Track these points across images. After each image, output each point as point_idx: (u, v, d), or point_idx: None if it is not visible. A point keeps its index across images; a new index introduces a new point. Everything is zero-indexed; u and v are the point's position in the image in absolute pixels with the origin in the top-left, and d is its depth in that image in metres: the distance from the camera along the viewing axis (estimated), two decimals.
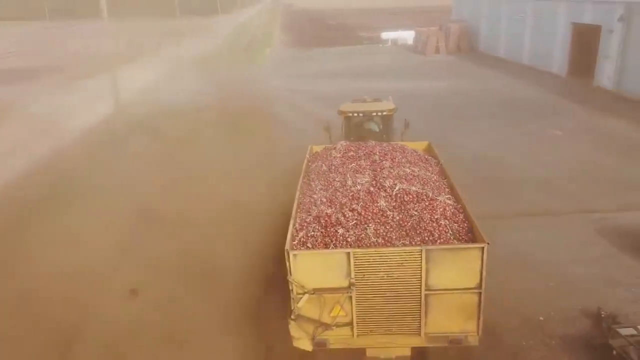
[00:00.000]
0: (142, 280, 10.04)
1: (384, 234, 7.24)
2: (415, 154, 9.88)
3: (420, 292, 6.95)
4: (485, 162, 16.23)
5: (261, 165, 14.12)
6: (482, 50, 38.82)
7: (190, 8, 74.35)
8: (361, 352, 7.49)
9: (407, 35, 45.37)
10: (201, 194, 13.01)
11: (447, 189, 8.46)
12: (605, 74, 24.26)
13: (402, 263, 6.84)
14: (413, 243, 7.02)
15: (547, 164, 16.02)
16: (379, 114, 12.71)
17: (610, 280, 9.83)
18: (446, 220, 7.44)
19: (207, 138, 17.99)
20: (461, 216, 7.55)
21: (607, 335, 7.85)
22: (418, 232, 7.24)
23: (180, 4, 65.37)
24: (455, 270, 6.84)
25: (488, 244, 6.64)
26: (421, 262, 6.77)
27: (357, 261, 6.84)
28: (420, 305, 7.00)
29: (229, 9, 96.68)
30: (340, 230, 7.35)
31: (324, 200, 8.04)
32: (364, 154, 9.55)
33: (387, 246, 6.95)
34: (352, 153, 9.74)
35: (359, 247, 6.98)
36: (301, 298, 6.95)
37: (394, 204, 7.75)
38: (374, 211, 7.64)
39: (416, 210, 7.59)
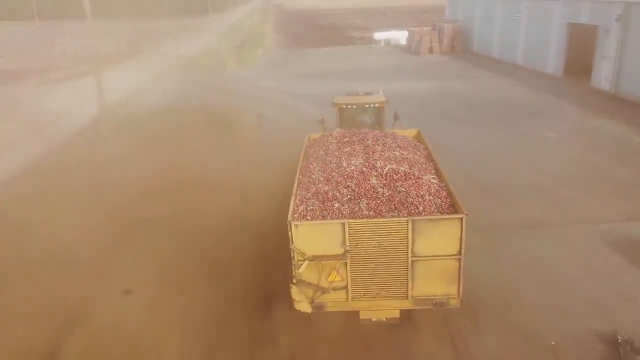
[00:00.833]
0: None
1: (375, 207, 8.14)
2: (405, 140, 10.71)
3: (407, 259, 7.88)
4: (480, 167, 16.07)
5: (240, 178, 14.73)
6: (475, 50, 39.50)
7: (181, 8, 73.06)
8: (355, 314, 8.43)
9: (400, 36, 45.04)
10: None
11: (432, 170, 9.33)
12: (603, 74, 23.79)
13: (391, 232, 7.76)
14: (401, 215, 7.89)
15: (544, 169, 15.75)
16: (372, 106, 13.59)
17: (625, 298, 9.41)
18: (430, 196, 8.33)
19: (189, 141, 18.31)
20: (444, 193, 8.43)
21: None
22: (405, 206, 8.10)
23: (170, 4, 64.16)
24: (438, 239, 7.76)
25: (467, 214, 7.56)
26: (408, 232, 7.70)
27: (351, 231, 7.75)
28: (407, 270, 7.95)
29: (221, 8, 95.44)
30: (336, 205, 8.24)
31: (322, 179, 8.92)
32: (358, 140, 10.29)
33: (377, 218, 7.84)
34: (346, 139, 10.46)
35: (352, 218, 7.87)
36: (302, 264, 7.82)
37: (384, 182, 8.58)
38: (366, 188, 8.50)
39: (404, 187, 8.44)
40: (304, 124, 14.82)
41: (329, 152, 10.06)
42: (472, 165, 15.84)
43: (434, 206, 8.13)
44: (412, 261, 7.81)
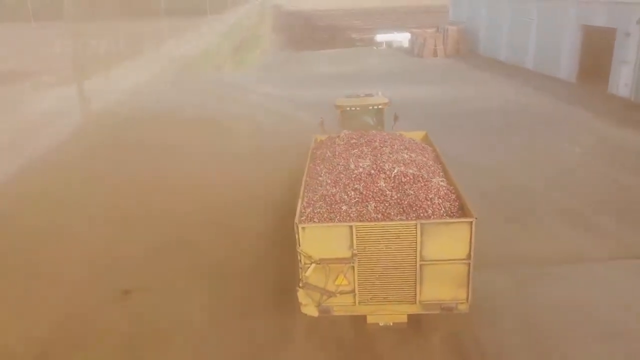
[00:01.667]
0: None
1: (383, 210, 8.11)
2: (412, 142, 10.72)
3: (416, 263, 7.81)
4: (498, 186, 14.73)
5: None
6: (481, 53, 39.11)
7: (177, 8, 71.07)
8: (362, 318, 8.34)
9: (402, 38, 44.04)
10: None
11: (441, 173, 9.33)
12: (622, 80, 22.36)
13: (399, 236, 7.70)
14: (409, 219, 7.86)
15: (570, 190, 14.39)
16: (375, 107, 13.76)
17: None
18: (440, 200, 8.30)
19: (177, 157, 17.07)
20: (453, 196, 8.41)
21: None
22: (414, 209, 8.08)
23: (167, 4, 62.37)
24: (447, 243, 7.70)
25: (476, 218, 7.51)
26: (416, 235, 7.64)
27: (359, 234, 7.71)
28: (416, 275, 7.87)
29: (219, 9, 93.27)
30: (344, 207, 8.20)
31: (329, 181, 8.92)
32: (365, 142, 10.31)
33: (386, 221, 7.81)
34: (354, 141, 10.48)
35: (360, 221, 7.83)
36: (308, 267, 7.78)
37: (393, 184, 8.57)
38: (374, 191, 8.47)
39: (412, 190, 8.42)
40: (303, 136, 13.82)
41: (337, 153, 10.07)
42: (488, 184, 14.54)
43: (443, 209, 8.15)
44: (421, 265, 7.81)
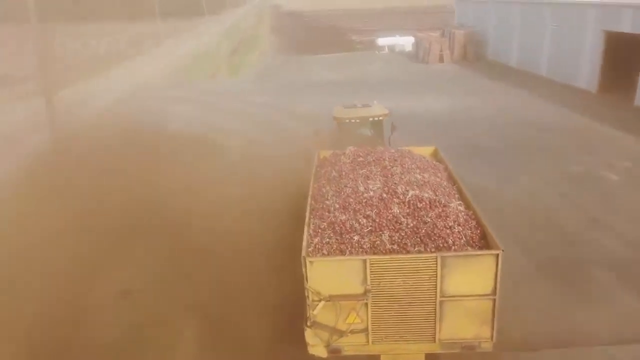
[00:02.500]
0: None
1: (399, 240, 7.56)
2: (423, 159, 10.31)
3: (436, 299, 7.26)
4: (532, 228, 12.61)
5: None
6: (490, 58, 38.06)
7: (173, 9, 68.42)
8: (375, 358, 7.75)
9: (405, 41, 42.06)
10: None
11: (457, 195, 8.81)
12: None
13: (417, 270, 7.17)
14: (428, 250, 7.37)
15: (615, 228, 12.32)
16: (375, 119, 13.36)
17: None
18: (459, 227, 7.71)
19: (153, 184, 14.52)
20: (473, 223, 7.81)
21: None
22: (432, 239, 7.53)
23: (161, 5, 59.84)
24: (470, 277, 7.16)
25: (503, 250, 7.00)
26: (436, 269, 7.11)
27: (373, 268, 7.18)
28: (435, 311, 7.32)
29: (217, 9, 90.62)
30: (356, 237, 7.63)
31: (337, 206, 8.36)
32: (374, 160, 9.83)
33: (402, 253, 7.35)
34: (361, 159, 10.03)
35: (374, 253, 7.36)
36: (317, 305, 7.25)
37: (407, 210, 8.01)
38: (388, 218, 7.89)
39: (430, 217, 7.85)
40: (302, 156, 12.69)
41: (343, 173, 9.52)
42: (520, 226, 12.55)
43: (464, 239, 7.59)
44: (441, 301, 7.25)
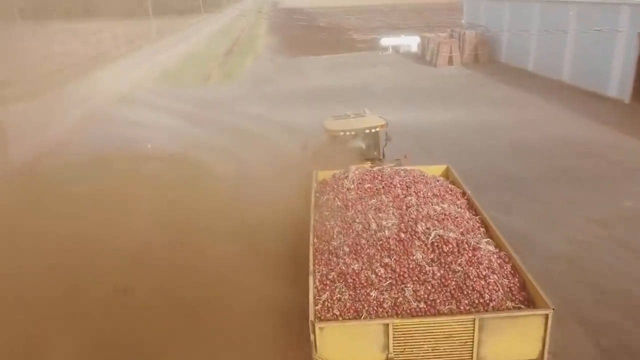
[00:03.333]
0: None
1: (426, 296, 6.53)
2: (437, 183, 9.42)
3: None
4: (592, 295, 9.98)
5: None
6: (504, 61, 35.85)
7: (168, 7, 65.13)
8: None
9: (410, 42, 41.85)
10: None
11: (481, 228, 7.95)
12: None
13: (450, 334, 6.19)
14: (461, 307, 6.37)
15: None
16: (371, 130, 12.37)
17: None
18: (495, 275, 6.72)
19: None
20: (508, 267, 6.95)
21: None
22: (465, 292, 6.52)
23: (155, 2, 56.73)
24: (513, 341, 6.20)
25: (553, 309, 6.09)
26: (473, 333, 6.14)
27: (397, 333, 6.19)
28: None
29: (214, 7, 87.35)
30: (374, 293, 6.58)
31: (347, 249, 7.33)
32: (383, 187, 8.92)
33: (431, 313, 6.35)
34: (368, 185, 9.00)
35: (397, 314, 6.38)
36: None
37: (432, 255, 7.06)
38: (410, 266, 6.88)
39: (460, 265, 6.83)
40: (298, 178, 11.36)
41: (349, 204, 8.49)
42: (574, 291, 9.98)
43: (501, 290, 6.51)
44: None
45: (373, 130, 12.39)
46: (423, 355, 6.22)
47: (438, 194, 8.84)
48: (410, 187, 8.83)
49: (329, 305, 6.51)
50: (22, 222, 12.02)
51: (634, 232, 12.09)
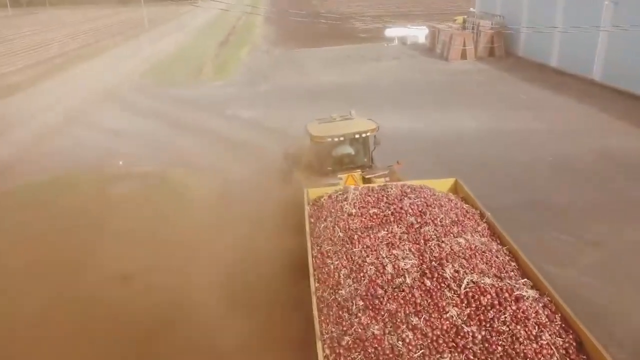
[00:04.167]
0: None
1: None
2: (451, 204, 8.31)
3: None
4: None
5: None
6: (522, 55, 32.71)
7: None
8: None
9: (418, 33, 39.25)
10: None
11: (512, 263, 6.84)
12: None
13: None
14: None
15: None
16: (361, 135, 11.26)
17: None
18: (547, 334, 5.45)
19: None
20: (558, 319, 5.70)
21: None
22: None
23: None
24: None
25: None
26: None
27: None
28: None
29: None
30: None
31: (361, 303, 6.01)
32: (392, 213, 7.76)
33: None
34: (373, 209, 7.90)
35: None
36: None
37: (468, 310, 5.81)
38: (445, 327, 5.61)
39: (504, 323, 5.59)
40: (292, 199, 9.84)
41: (354, 236, 7.25)
42: None
43: (557, 355, 5.27)
44: None
45: (363, 135, 11.35)
46: None
47: (456, 219, 7.77)
48: (425, 213, 7.73)
49: None
50: None
51: None
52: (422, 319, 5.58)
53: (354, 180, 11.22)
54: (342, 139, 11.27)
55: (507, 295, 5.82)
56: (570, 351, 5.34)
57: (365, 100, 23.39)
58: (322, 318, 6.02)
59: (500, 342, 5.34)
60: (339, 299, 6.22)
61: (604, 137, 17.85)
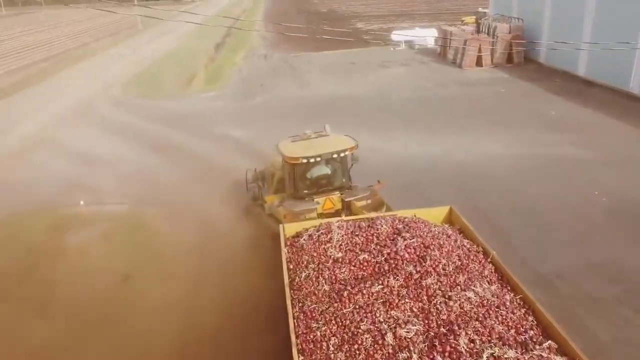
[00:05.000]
0: None
1: None
2: (451, 241, 7.36)
3: None
4: None
5: None
6: (543, 62, 29.35)
7: None
8: None
9: (426, 35, 36.47)
10: None
11: (530, 318, 5.92)
12: None
13: None
14: None
15: None
16: (340, 155, 10.47)
17: None
18: None
19: None
20: None
21: None
22: None
23: None
24: None
25: None
26: None
27: None
28: None
29: None
30: None
31: None
32: (386, 259, 6.78)
33: None
34: (363, 255, 6.93)
35: None
36: None
37: None
38: None
39: None
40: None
41: (343, 292, 6.30)
42: None
43: None
44: None
45: (342, 155, 10.53)
46: None
47: (460, 264, 6.89)
48: (424, 259, 6.82)
49: None
50: None
51: None
52: None
53: (332, 204, 10.56)
54: (318, 159, 10.35)
55: None
56: None
57: (373, 118, 20.65)
58: None
59: None
60: None
61: None
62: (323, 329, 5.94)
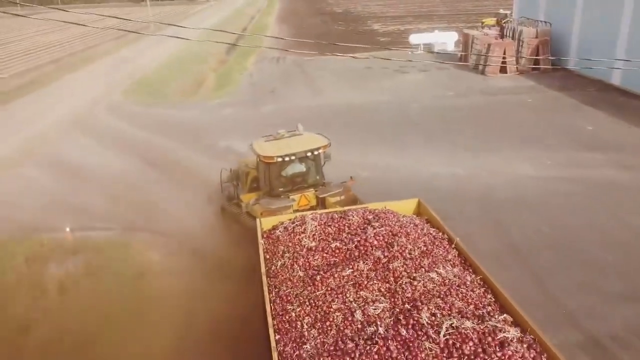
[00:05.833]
0: None
1: None
2: (417, 229, 7.72)
3: None
4: None
5: None
6: (573, 68, 27.04)
7: None
8: None
9: (446, 39, 34.86)
10: None
11: (489, 296, 6.29)
12: None
13: None
14: None
15: None
16: (313, 153, 10.94)
17: None
18: None
19: None
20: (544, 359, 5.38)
21: None
22: None
23: None
24: None
25: None
26: None
27: None
28: None
29: None
30: None
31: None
32: (357, 246, 7.20)
33: None
34: (335, 243, 7.32)
35: None
36: None
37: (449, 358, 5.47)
38: None
39: None
40: None
41: (316, 277, 6.65)
42: None
43: None
44: None
45: (315, 153, 11.00)
46: None
47: (426, 249, 7.21)
48: (392, 245, 7.14)
49: None
50: None
51: None
52: None
53: (307, 201, 10.89)
54: (293, 157, 10.78)
55: (490, 339, 5.31)
56: None
57: (392, 132, 18.95)
58: None
59: None
60: (304, 355, 5.65)
61: None
62: (298, 309, 6.30)
